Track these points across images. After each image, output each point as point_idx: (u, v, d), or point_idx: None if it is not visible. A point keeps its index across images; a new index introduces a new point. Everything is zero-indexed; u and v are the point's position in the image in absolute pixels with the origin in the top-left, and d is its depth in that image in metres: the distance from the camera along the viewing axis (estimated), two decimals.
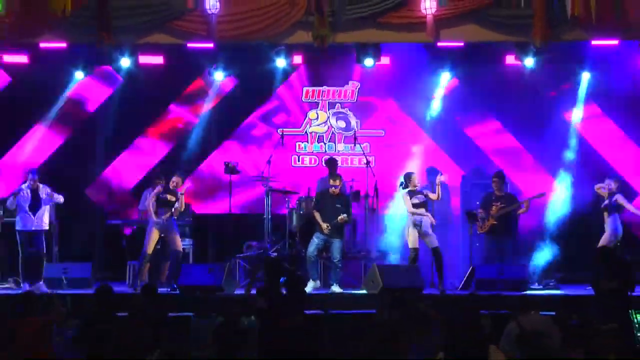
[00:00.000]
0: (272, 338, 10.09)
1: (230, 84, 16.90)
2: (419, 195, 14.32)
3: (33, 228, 14.30)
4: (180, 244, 14.65)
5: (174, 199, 14.39)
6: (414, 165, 16.03)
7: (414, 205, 14.24)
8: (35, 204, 14.30)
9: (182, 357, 9.82)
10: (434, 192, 14.35)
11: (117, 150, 17.12)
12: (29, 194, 14.30)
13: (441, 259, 14.34)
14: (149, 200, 14.51)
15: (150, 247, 14.40)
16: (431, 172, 15.46)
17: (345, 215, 14.17)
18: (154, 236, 14.42)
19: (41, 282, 14.18)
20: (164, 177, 14.75)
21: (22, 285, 14.22)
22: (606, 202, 14.55)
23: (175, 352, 9.76)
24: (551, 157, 16.50)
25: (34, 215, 14.28)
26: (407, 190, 14.35)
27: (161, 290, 14.32)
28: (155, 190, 14.46)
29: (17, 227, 14.36)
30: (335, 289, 14.02)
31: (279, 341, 9.98)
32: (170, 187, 14.43)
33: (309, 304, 10.74)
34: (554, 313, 10.56)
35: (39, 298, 10.51)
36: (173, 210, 14.39)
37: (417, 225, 14.24)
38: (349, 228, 15.44)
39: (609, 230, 14.52)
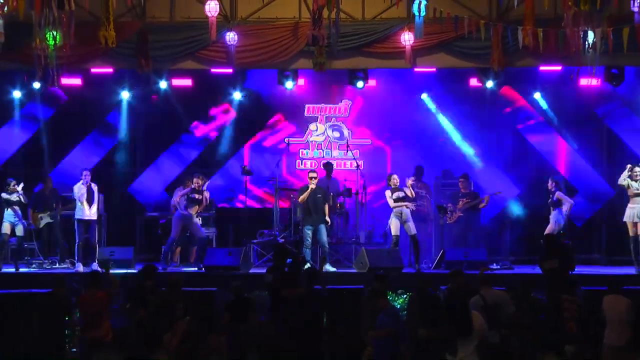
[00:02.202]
0: (279, 306, 10.17)
1: (247, 102, 16.89)
2: (399, 192, 14.38)
3: (87, 218, 14.31)
4: (203, 231, 14.70)
5: (200, 197, 14.46)
6: (395, 168, 16.11)
7: (395, 200, 14.32)
8: (90, 198, 14.33)
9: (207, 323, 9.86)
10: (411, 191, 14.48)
11: (155, 155, 17.11)
12: (84, 190, 14.33)
13: (418, 244, 14.41)
14: (177, 198, 14.60)
15: (176, 234, 14.49)
16: (419, 170, 15.56)
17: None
18: (178, 225, 14.50)
19: (95, 263, 14.20)
20: (192, 178, 14.81)
21: (75, 265, 14.25)
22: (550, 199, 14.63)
23: (202, 319, 9.82)
24: (506, 161, 16.55)
25: (89, 207, 14.30)
26: (390, 188, 14.43)
27: (190, 269, 14.45)
28: (185, 190, 14.54)
29: (76, 217, 14.38)
30: (328, 267, 14.05)
31: (285, 308, 10.06)
32: (196, 187, 14.50)
33: (317, 280, 10.74)
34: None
35: (102, 275, 10.60)
36: (199, 206, 14.49)
37: (398, 216, 14.31)
38: (342, 218, 15.53)
39: (553, 222, 14.55)
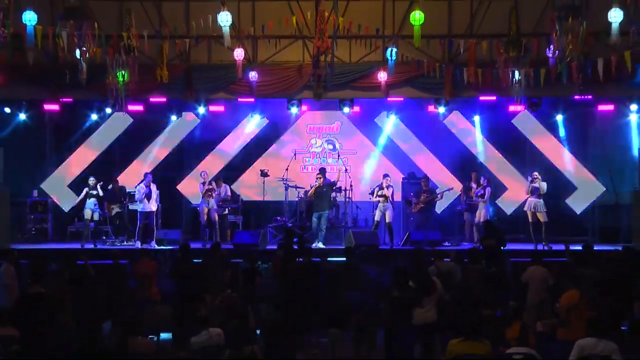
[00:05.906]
0: (286, 274, 10.13)
1: (264, 123, 16.83)
2: (383, 191, 14.47)
3: (147, 210, 14.36)
4: (216, 217, 14.63)
5: (209, 187, 14.52)
6: (374, 171, 16.10)
7: (380, 196, 14.45)
8: (149, 195, 14.36)
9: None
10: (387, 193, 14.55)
11: (197, 162, 17.01)
12: (145, 189, 14.33)
13: (392, 228, 14.44)
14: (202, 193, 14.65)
15: (204, 220, 14.51)
16: (385, 176, 15.52)
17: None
18: (202, 213, 14.52)
19: (153, 241, 14.29)
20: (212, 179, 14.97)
21: (135, 243, 14.28)
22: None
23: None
24: (455, 166, 16.52)
25: (149, 202, 14.34)
26: (379, 186, 14.59)
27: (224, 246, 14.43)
28: (203, 190, 14.57)
29: (138, 209, 14.42)
30: (320, 245, 14.03)
31: (291, 276, 10.01)
32: (204, 180, 14.63)
33: (314, 255, 10.73)
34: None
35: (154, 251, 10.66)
36: (209, 194, 14.50)
37: (379, 208, 14.42)
38: (334, 209, 15.48)
39: (485, 210, 14.65)
